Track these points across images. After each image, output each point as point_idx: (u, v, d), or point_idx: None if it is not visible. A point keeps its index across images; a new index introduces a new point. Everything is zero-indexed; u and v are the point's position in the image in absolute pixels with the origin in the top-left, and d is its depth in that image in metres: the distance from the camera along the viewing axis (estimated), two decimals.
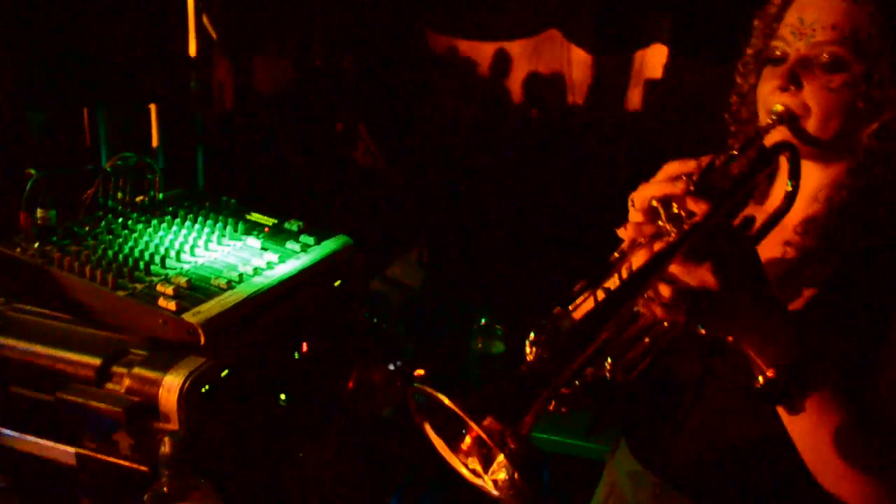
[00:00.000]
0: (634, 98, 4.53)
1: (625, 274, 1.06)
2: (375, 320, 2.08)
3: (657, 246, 1.03)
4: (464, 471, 1.03)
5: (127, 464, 1.42)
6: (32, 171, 1.62)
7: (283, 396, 1.67)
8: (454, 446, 1.03)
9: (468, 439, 1.03)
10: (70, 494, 1.48)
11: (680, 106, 4.23)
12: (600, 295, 1.03)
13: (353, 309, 1.91)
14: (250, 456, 1.55)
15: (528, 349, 0.98)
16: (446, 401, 0.92)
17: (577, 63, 4.54)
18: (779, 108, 1.16)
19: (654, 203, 1.06)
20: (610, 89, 4.52)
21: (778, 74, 1.18)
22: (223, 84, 3.93)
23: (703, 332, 1.07)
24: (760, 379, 1.07)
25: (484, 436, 0.91)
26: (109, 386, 1.44)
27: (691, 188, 1.04)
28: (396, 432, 1.82)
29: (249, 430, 1.57)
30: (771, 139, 1.18)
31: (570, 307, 1.03)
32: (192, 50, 3.83)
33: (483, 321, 2.04)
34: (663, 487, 1.31)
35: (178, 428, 1.37)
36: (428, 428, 1.02)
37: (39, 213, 1.64)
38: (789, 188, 1.18)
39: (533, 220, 3.18)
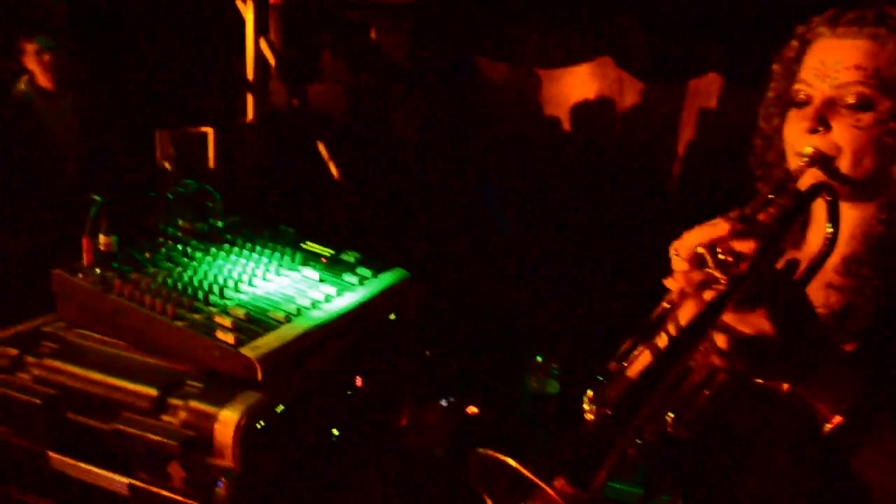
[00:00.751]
0: (687, 126, 4.47)
1: (675, 326, 1.03)
2: (428, 353, 2.05)
3: (708, 295, 0.99)
4: None
5: (180, 498, 1.40)
6: (97, 198, 1.63)
7: (335, 431, 1.64)
8: None
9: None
10: None
11: (734, 135, 4.14)
12: (654, 349, 1.00)
13: (407, 344, 1.88)
14: (302, 492, 1.52)
15: (586, 407, 0.96)
16: (514, 464, 0.88)
17: (630, 90, 4.51)
18: (809, 150, 1.15)
19: (700, 249, 1.02)
20: (662, 117, 4.47)
21: (805, 117, 1.17)
22: (280, 108, 3.96)
23: (760, 381, 1.04)
24: (827, 427, 1.02)
25: (558, 500, 0.87)
26: (165, 417, 1.42)
27: (737, 228, 1.01)
28: (448, 471, 1.78)
29: (301, 465, 1.54)
30: (804, 182, 1.16)
31: (625, 363, 1.00)
32: (250, 75, 3.88)
33: (539, 359, 1.99)
34: None
35: (232, 464, 1.35)
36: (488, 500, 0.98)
37: (102, 239, 1.64)
38: (830, 230, 1.15)
39: (588, 254, 3.12)
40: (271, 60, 3.76)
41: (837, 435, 1.02)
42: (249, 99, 3.84)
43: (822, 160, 1.15)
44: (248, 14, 3.73)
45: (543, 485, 0.86)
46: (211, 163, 3.28)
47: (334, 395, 1.66)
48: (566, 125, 4.50)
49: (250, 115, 3.82)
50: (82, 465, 1.49)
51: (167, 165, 2.43)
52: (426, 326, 1.90)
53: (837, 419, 1.01)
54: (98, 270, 1.60)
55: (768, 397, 1.16)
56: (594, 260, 2.99)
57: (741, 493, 1.26)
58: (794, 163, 1.18)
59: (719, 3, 3.57)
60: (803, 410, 1.05)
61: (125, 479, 1.45)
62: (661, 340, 1.03)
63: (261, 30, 3.75)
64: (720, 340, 0.98)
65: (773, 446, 1.22)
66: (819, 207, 1.21)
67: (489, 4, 4.18)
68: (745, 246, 0.99)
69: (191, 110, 3.57)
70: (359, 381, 1.72)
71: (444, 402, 1.88)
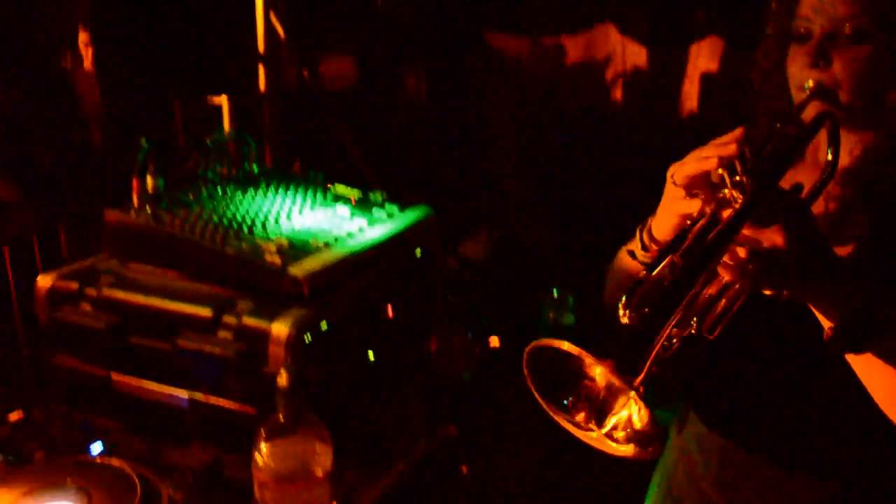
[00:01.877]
0: (690, 91, 4.57)
1: (698, 239, 1.13)
2: (448, 296, 2.17)
3: (726, 213, 1.09)
4: (575, 429, 1.09)
5: (237, 406, 1.54)
6: (143, 142, 1.75)
7: (371, 354, 1.78)
8: (565, 406, 1.10)
9: (584, 393, 1.10)
10: (182, 435, 1.60)
11: (737, 99, 4.24)
12: (680, 261, 1.08)
13: (431, 278, 2.01)
14: (344, 403, 1.66)
15: (621, 312, 1.02)
16: (568, 347, 0.98)
17: (632, 56, 4.60)
18: (811, 83, 1.22)
19: (720, 171, 1.10)
20: (665, 82, 4.57)
21: (805, 52, 1.23)
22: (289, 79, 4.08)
23: (769, 291, 1.15)
24: (828, 331, 1.13)
25: (612, 376, 0.98)
26: (220, 334, 1.56)
27: (746, 152, 1.10)
28: (475, 395, 1.92)
29: (343, 381, 1.67)
30: (808, 113, 1.23)
31: (653, 273, 1.11)
32: (261, 47, 3.99)
33: (555, 293, 2.12)
34: (731, 448, 1.38)
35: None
36: (537, 390, 1.08)
37: (149, 180, 1.77)
38: (830, 156, 1.22)
39: (594, 203, 3.26)
40: (281, 33, 3.87)
41: (837, 337, 1.13)
42: (261, 70, 3.95)
43: (824, 92, 1.22)
44: None
45: (601, 362, 0.97)
46: (226, 128, 3.41)
47: (369, 320, 1.79)
48: (568, 91, 4.60)
49: (262, 85, 3.93)
50: (145, 383, 1.63)
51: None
52: (446, 263, 2.03)
53: (837, 322, 1.11)
54: (149, 209, 1.73)
55: (775, 307, 1.27)
56: (604, 209, 3.12)
57: (747, 394, 1.38)
58: (797, 96, 1.26)
59: None
60: (807, 319, 1.17)
61: (185, 394, 1.59)
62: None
63: (270, 3, 3.85)
64: (740, 251, 1.08)
65: (781, 354, 1.34)
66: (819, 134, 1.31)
67: None
68: (762, 168, 1.08)
69: (207, 80, 3.68)
70: (389, 311, 1.85)
71: (468, 334, 2.01)
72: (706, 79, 4.49)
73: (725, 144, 1.12)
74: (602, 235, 1.57)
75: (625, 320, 1.02)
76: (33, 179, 2.82)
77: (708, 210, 1.11)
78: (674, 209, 1.18)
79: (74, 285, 1.70)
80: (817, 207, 1.30)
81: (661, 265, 1.11)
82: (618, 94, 4.63)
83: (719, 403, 1.43)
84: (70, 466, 1.46)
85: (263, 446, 1.32)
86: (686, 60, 4.53)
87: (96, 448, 1.54)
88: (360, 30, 4.08)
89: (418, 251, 1.94)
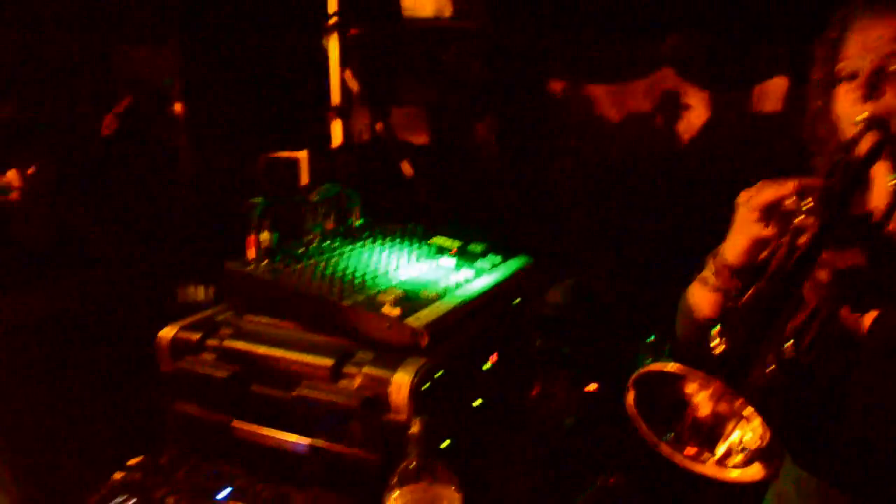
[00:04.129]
0: (754, 132, 4.57)
1: (780, 267, 1.14)
2: (539, 342, 2.21)
3: (802, 239, 1.12)
4: (685, 460, 1.10)
5: (360, 452, 1.58)
6: (258, 200, 1.84)
7: (478, 402, 1.82)
8: (672, 437, 1.11)
9: (690, 422, 1.11)
10: (305, 482, 1.65)
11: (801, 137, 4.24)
12: (766, 286, 1.11)
13: (529, 326, 2.06)
14: (456, 449, 1.69)
15: (715, 341, 1.02)
16: (679, 367, 1.01)
17: (693, 100, 4.63)
18: (864, 115, 1.26)
19: (791, 201, 1.16)
20: (728, 125, 4.58)
21: (855, 88, 1.28)
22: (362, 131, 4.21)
23: (857, 312, 1.17)
24: None
25: (726, 390, 1.00)
26: (342, 383, 1.61)
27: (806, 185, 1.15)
28: (578, 440, 1.94)
29: (454, 427, 1.71)
30: (862, 146, 1.26)
31: (741, 301, 1.14)
32: (336, 103, 4.13)
33: (651, 338, 2.15)
34: (829, 491, 1.38)
35: (406, 419, 1.53)
36: (640, 419, 1.10)
37: (265, 235, 1.85)
38: (893, 182, 1.25)
39: (672, 244, 3.27)
40: (354, 88, 4.01)
41: None
42: (337, 125, 4.09)
43: (877, 122, 1.26)
44: (333, 47, 4.00)
45: (710, 379, 0.99)
46: (304, 179, 3.53)
47: (477, 367, 1.83)
48: (629, 138, 4.65)
49: (337, 139, 4.07)
50: (265, 430, 1.69)
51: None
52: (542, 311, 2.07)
53: None
54: (265, 262, 1.81)
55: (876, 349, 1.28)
56: (684, 252, 3.14)
57: (841, 434, 1.38)
58: (849, 132, 1.29)
59: (779, 5, 3.71)
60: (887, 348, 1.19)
61: (307, 440, 1.64)
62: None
63: (344, 60, 4.00)
64: (822, 274, 1.13)
65: (873, 390, 1.34)
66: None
67: (553, 26, 4.38)
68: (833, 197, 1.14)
69: (286, 136, 3.83)
70: (493, 358, 1.90)
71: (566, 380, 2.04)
72: (770, 119, 4.50)
73: (799, 181, 1.17)
74: (681, 278, 1.60)
75: (719, 349, 1.01)
76: (130, 231, 2.97)
77: (784, 240, 1.15)
78: (747, 232, 1.23)
79: (196, 336, 1.78)
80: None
81: (748, 294, 1.14)
82: (682, 137, 4.66)
83: (818, 446, 1.43)
84: None
85: (396, 492, 1.36)
86: (748, 102, 4.55)
87: (224, 494, 1.60)
88: (431, 82, 4.21)
89: (517, 299, 1.98)
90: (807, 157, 1.49)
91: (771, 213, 1.19)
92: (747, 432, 1.06)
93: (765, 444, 1.04)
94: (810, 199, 1.14)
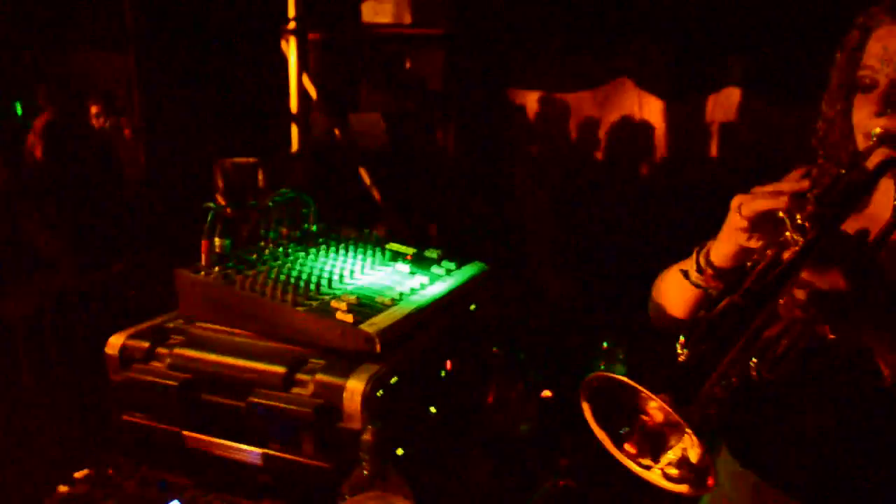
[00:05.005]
0: (708, 141, 4.65)
1: (757, 281, 1.16)
2: (496, 350, 2.21)
3: (786, 255, 1.12)
4: (630, 463, 1.11)
5: (313, 462, 1.57)
6: (212, 205, 1.82)
7: (432, 409, 1.81)
8: (621, 439, 1.13)
9: (640, 428, 1.12)
10: (256, 492, 1.63)
11: (755, 147, 4.34)
12: (740, 300, 1.10)
13: (485, 332, 2.06)
14: (415, 458, 1.68)
15: (679, 350, 1.05)
16: (626, 380, 1.02)
17: (649, 109, 4.70)
18: (878, 130, 1.25)
19: (781, 214, 1.14)
20: (683, 133, 4.66)
21: (872, 100, 1.27)
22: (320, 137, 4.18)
23: (831, 334, 1.18)
24: (888, 377, 1.16)
25: (668, 408, 1.01)
26: (295, 391, 1.59)
27: (809, 196, 1.14)
28: (532, 447, 1.94)
29: (410, 436, 1.70)
30: (873, 160, 1.26)
31: (713, 312, 1.14)
32: (294, 108, 4.10)
33: (605, 345, 2.17)
34: (763, 487, 1.40)
35: (360, 428, 1.52)
36: (593, 421, 1.11)
37: (217, 241, 1.83)
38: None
39: (628, 250, 3.31)
40: (313, 94, 3.99)
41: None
42: (294, 130, 4.06)
43: (890, 139, 1.24)
44: (291, 51, 3.97)
45: (653, 396, 1.00)
46: (260, 183, 3.50)
47: (432, 374, 1.82)
48: (589, 145, 4.70)
49: (295, 145, 4.04)
50: (217, 440, 1.66)
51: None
52: (497, 317, 2.07)
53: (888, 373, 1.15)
54: (217, 269, 1.79)
55: (823, 348, 1.30)
56: (640, 259, 3.17)
57: (781, 433, 1.40)
58: (862, 143, 1.30)
59: (735, 18, 3.78)
60: (866, 365, 1.20)
61: (259, 450, 1.62)
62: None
63: (302, 65, 3.98)
64: (799, 294, 1.12)
65: (817, 393, 1.35)
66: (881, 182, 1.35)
67: (511, 34, 4.41)
68: (824, 213, 1.12)
69: (241, 142, 3.79)
70: (448, 365, 1.89)
71: (522, 386, 2.04)
72: (724, 128, 4.58)
73: (797, 183, 1.16)
74: (642, 285, 1.61)
75: (682, 357, 1.03)
76: (82, 238, 2.90)
77: (769, 252, 1.15)
78: (735, 239, 1.21)
79: (145, 344, 1.74)
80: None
81: (720, 305, 1.15)
82: (638, 145, 4.72)
83: (756, 442, 1.45)
84: None
85: (347, 501, 1.35)
86: (703, 112, 4.63)
87: None
88: (390, 88, 4.20)
89: (472, 306, 1.98)
90: (812, 159, 1.49)
91: (761, 222, 1.17)
92: (688, 447, 1.07)
93: (699, 462, 1.05)
94: (800, 215, 1.12)
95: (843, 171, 1.26)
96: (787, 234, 1.13)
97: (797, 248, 1.11)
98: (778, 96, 4.17)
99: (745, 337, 1.12)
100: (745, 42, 4.02)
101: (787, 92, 3.87)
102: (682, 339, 1.06)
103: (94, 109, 3.91)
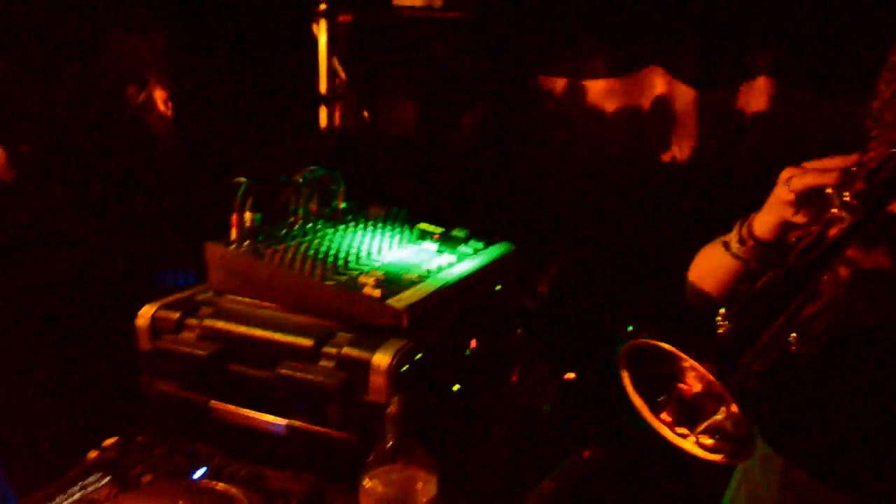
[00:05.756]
0: (740, 130, 4.60)
1: (801, 256, 1.16)
2: (520, 332, 2.21)
3: (832, 231, 1.13)
4: (666, 431, 1.12)
5: (337, 433, 1.58)
6: (243, 179, 1.83)
7: (456, 386, 1.82)
8: (658, 407, 1.13)
9: (677, 397, 1.13)
10: (282, 462, 1.65)
11: (787, 137, 4.29)
12: (783, 275, 1.11)
13: (510, 312, 2.06)
14: (441, 433, 1.70)
15: (720, 321, 1.06)
16: (668, 347, 1.02)
17: (680, 97, 4.66)
18: None
19: (829, 190, 1.14)
20: (714, 122, 4.61)
21: None
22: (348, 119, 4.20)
23: (870, 314, 1.17)
24: None
25: (710, 377, 1.01)
26: (322, 363, 1.61)
27: (859, 175, 1.13)
28: (555, 427, 1.95)
29: (435, 411, 1.72)
30: None
31: (756, 286, 1.14)
32: (323, 90, 4.12)
33: (630, 328, 2.16)
34: (791, 469, 1.40)
35: (385, 401, 1.53)
36: (631, 388, 1.12)
37: (248, 216, 1.84)
38: None
39: (654, 237, 3.30)
40: (342, 76, 4.00)
41: None
42: (323, 111, 4.08)
43: None
44: (321, 34, 3.98)
45: (696, 363, 1.00)
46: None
47: (456, 352, 1.83)
48: (618, 133, 4.67)
49: (323, 125, 4.06)
50: (244, 410, 1.69)
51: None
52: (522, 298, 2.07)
53: None
54: (247, 242, 1.81)
55: (869, 335, 1.29)
56: (664, 245, 3.16)
57: (810, 415, 1.40)
58: None
59: (767, 6, 3.73)
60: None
61: (285, 421, 1.64)
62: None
63: (332, 47, 3.99)
64: (844, 271, 1.13)
65: (846, 375, 1.35)
66: None
67: (542, 20, 4.39)
68: (870, 194, 1.11)
69: (271, 122, 3.82)
70: (473, 343, 1.90)
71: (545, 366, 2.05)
72: (755, 118, 4.53)
73: (847, 158, 1.16)
74: (666, 271, 1.61)
75: (721, 329, 1.04)
76: (119, 215, 2.95)
77: (813, 228, 1.15)
78: (780, 212, 1.21)
79: (176, 315, 1.77)
80: None
81: (763, 279, 1.15)
82: (668, 133, 4.69)
83: (788, 426, 1.45)
84: (178, 490, 1.51)
85: (372, 472, 1.36)
86: (735, 101, 4.58)
87: (200, 473, 1.60)
88: (419, 71, 4.20)
89: (498, 286, 1.99)
90: (864, 139, 1.47)
91: (808, 197, 1.17)
92: (726, 417, 1.07)
93: (739, 431, 1.05)
94: (849, 192, 1.12)
95: (894, 151, 1.26)
96: (834, 210, 1.12)
97: (844, 225, 1.11)
98: (811, 86, 4.11)
99: (787, 311, 1.12)
100: (777, 31, 3.97)
101: (820, 82, 3.82)
102: (722, 310, 1.06)
103: (130, 89, 3.95)
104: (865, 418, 1.35)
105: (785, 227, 1.23)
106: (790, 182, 1.18)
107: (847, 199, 1.12)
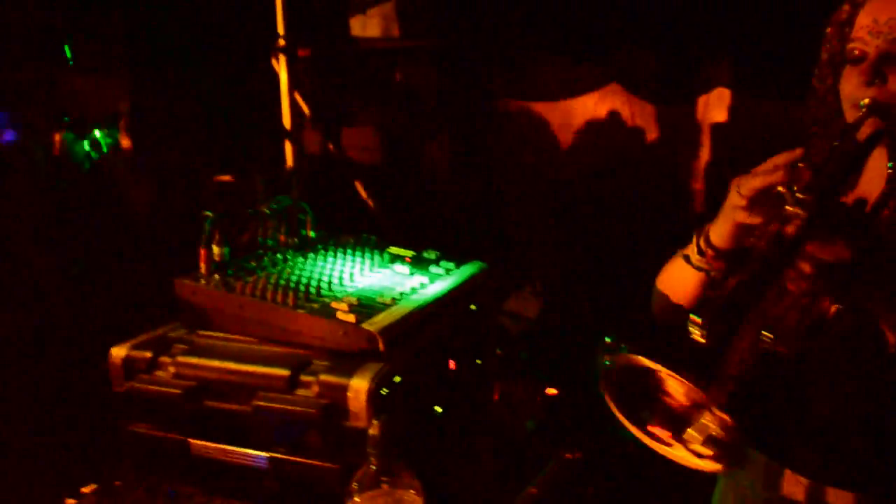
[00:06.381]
0: (701, 142, 4.67)
1: (762, 257, 1.16)
2: (499, 352, 2.21)
3: (789, 228, 1.13)
4: (654, 443, 1.12)
5: (319, 462, 1.56)
6: (209, 213, 1.82)
7: (437, 408, 1.80)
8: (643, 421, 1.13)
9: (662, 409, 1.13)
10: (263, 498, 1.62)
11: (747, 145, 4.36)
12: (748, 277, 1.12)
13: (487, 331, 2.06)
14: (423, 454, 1.68)
15: (693, 330, 1.06)
16: (647, 362, 1.03)
17: (641, 113, 4.73)
18: (867, 100, 1.25)
19: (780, 189, 1.15)
20: (675, 136, 4.68)
21: (861, 71, 1.28)
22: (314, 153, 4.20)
23: (836, 304, 1.19)
24: (893, 343, 1.17)
25: (692, 387, 1.02)
26: (300, 392, 1.59)
27: (805, 170, 1.15)
28: (539, 443, 1.94)
29: (417, 433, 1.70)
30: (864, 131, 1.25)
31: (720, 292, 1.15)
32: (287, 125, 4.12)
33: (608, 339, 2.15)
34: (773, 466, 1.41)
35: (366, 425, 1.51)
36: (616, 407, 1.13)
37: (216, 249, 1.83)
38: (891, 170, 1.24)
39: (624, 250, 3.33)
40: (305, 110, 4.01)
41: None
42: (288, 147, 4.07)
43: (879, 109, 1.25)
44: (282, 69, 3.99)
45: (676, 375, 1.01)
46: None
47: (434, 373, 1.82)
48: (582, 151, 4.72)
49: (289, 161, 4.05)
50: (223, 446, 1.66)
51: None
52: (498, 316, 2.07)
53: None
54: (217, 277, 1.79)
55: (838, 326, 1.30)
56: (635, 257, 3.19)
57: (787, 411, 1.41)
58: (852, 115, 1.30)
59: (722, 19, 3.81)
60: (871, 334, 1.21)
61: (266, 454, 1.61)
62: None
63: (293, 82, 4.00)
64: (805, 266, 1.13)
65: (822, 370, 1.35)
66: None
67: (501, 44, 4.44)
68: (819, 187, 1.12)
69: (237, 160, 3.81)
70: (452, 364, 1.89)
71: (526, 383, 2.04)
72: (716, 129, 4.60)
73: (790, 153, 1.17)
74: (639, 280, 1.62)
75: (696, 337, 1.05)
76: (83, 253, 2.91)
77: (771, 228, 1.16)
78: (734, 217, 1.22)
79: (148, 354, 1.74)
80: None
81: (728, 284, 1.16)
82: (631, 149, 4.74)
83: (766, 423, 1.44)
84: None
85: (357, 498, 1.34)
86: (695, 114, 4.65)
87: None
88: (382, 102, 4.23)
89: (473, 306, 1.98)
90: (806, 138, 1.50)
91: (761, 199, 1.18)
92: (710, 424, 1.08)
93: (726, 437, 1.06)
94: (799, 188, 1.13)
95: (837, 144, 1.26)
96: (788, 208, 1.13)
97: (799, 221, 1.12)
98: (768, 94, 4.19)
99: (756, 313, 1.13)
100: (733, 42, 4.06)
101: (777, 90, 3.90)
102: (696, 319, 1.07)
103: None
104: (843, 410, 1.36)
105: (742, 232, 1.24)
106: (741, 187, 1.20)
107: (799, 194, 1.13)
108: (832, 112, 1.41)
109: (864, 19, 1.32)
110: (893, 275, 1.17)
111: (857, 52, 1.31)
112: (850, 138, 1.28)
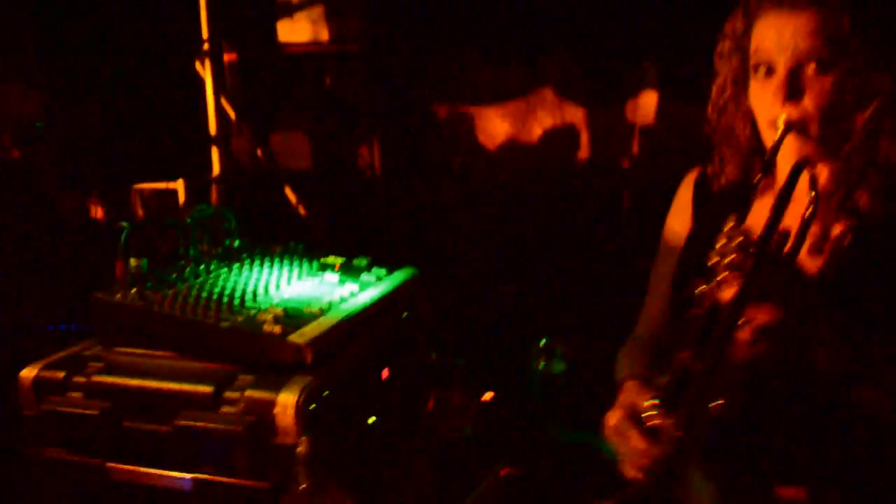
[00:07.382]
0: (630, 144, 4.75)
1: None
2: (434, 356, 2.17)
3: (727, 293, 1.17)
4: None
5: (246, 482, 1.49)
6: (124, 224, 1.73)
7: (372, 419, 1.75)
8: None
9: None
10: None
11: (674, 147, 4.45)
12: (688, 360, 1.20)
13: (420, 338, 2.01)
14: (356, 468, 1.63)
15: (653, 412, 1.20)
16: None
17: (571, 117, 4.77)
18: (783, 118, 1.27)
19: (716, 257, 1.20)
20: (605, 138, 4.74)
21: (772, 88, 1.28)
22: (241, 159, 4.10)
23: (782, 359, 1.21)
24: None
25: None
26: (224, 410, 1.52)
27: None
28: (474, 450, 1.90)
29: (349, 446, 1.65)
30: (783, 150, 1.29)
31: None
32: (213, 131, 4.02)
33: (543, 342, 2.15)
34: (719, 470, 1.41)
35: (295, 442, 1.45)
36: None
37: (132, 262, 1.74)
38: (813, 194, 1.23)
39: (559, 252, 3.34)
40: (232, 116, 3.91)
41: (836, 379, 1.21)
42: (214, 153, 3.96)
43: (796, 126, 1.27)
44: (207, 74, 3.88)
45: None
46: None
47: (367, 385, 1.77)
48: (514, 154, 4.73)
49: (216, 168, 3.94)
50: (144, 469, 1.57)
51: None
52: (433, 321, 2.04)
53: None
54: (134, 290, 1.70)
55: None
56: (571, 259, 3.20)
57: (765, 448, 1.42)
58: (769, 134, 1.32)
59: (646, 24, 3.87)
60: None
61: (190, 475, 1.53)
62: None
63: (219, 87, 3.90)
64: (743, 335, 1.16)
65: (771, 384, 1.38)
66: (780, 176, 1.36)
67: (431, 49, 4.42)
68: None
69: (161, 167, 3.68)
70: (385, 373, 1.84)
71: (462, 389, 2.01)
72: (644, 132, 4.68)
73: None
74: (573, 283, 1.63)
75: (654, 422, 1.20)
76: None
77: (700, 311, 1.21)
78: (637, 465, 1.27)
79: (61, 374, 1.64)
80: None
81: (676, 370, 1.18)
82: (563, 152, 4.78)
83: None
84: None
85: None
86: (623, 116, 4.72)
87: None
88: (311, 107, 4.16)
89: (405, 313, 1.94)
90: (711, 147, 1.49)
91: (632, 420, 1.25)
92: None
93: None
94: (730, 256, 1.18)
95: (760, 174, 1.30)
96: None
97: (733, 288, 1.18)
98: (692, 97, 4.27)
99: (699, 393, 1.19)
100: (657, 47, 4.13)
101: (700, 93, 3.97)
102: (651, 402, 1.21)
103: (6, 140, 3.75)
104: (766, 416, 1.37)
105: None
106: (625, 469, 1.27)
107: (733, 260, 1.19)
108: (735, 123, 1.42)
109: (766, 32, 1.31)
110: (828, 309, 1.20)
111: (764, 67, 1.31)
112: (769, 163, 1.31)
